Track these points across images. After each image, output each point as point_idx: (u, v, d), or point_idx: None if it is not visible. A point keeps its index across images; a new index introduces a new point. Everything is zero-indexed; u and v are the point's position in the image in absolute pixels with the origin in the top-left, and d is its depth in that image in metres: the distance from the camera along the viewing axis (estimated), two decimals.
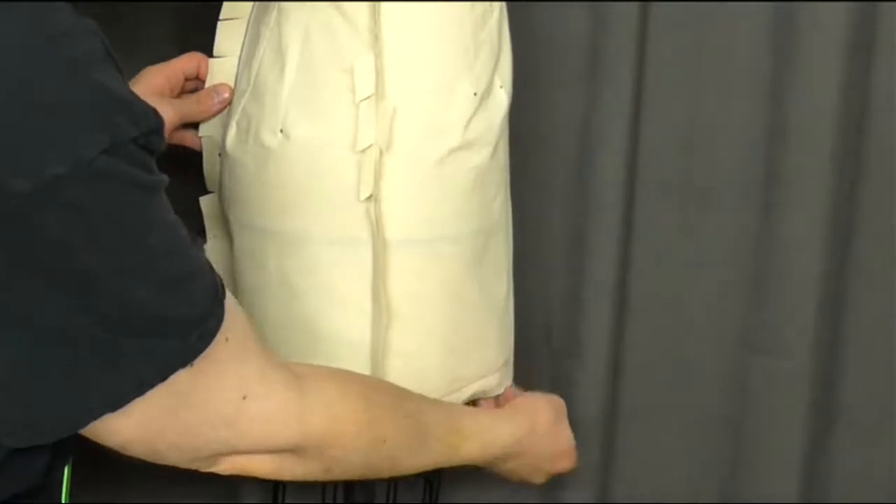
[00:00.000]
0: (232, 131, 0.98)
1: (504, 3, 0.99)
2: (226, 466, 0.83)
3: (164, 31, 1.20)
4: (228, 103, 1.03)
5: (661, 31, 1.24)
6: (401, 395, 0.92)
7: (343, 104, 0.92)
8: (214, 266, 1.04)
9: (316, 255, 0.95)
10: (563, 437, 1.09)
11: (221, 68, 1.02)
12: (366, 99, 0.92)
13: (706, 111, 1.27)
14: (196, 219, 1.06)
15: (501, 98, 0.98)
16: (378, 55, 0.91)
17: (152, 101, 1.01)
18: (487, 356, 1.05)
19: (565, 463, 1.10)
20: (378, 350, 0.96)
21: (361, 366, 0.97)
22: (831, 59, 1.22)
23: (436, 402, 0.96)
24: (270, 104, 0.94)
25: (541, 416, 1.05)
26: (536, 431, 1.04)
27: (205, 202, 1.06)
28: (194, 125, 1.11)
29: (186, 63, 1.06)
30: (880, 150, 1.27)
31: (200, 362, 0.73)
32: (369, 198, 0.93)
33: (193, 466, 0.83)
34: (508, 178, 1.05)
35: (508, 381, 1.09)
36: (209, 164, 1.05)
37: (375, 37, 0.91)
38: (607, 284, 1.29)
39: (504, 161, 1.03)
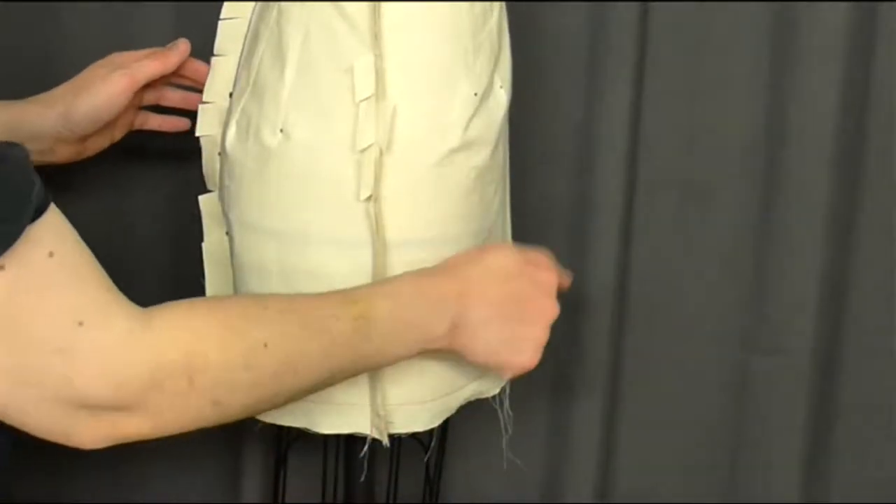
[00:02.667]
0: (232, 131, 0.98)
1: (504, 3, 0.99)
2: (91, 431, 0.78)
3: (165, 31, 1.20)
4: (187, 53, 1.06)
5: (661, 31, 1.24)
6: (266, 297, 0.89)
7: (343, 104, 0.92)
8: (214, 265, 1.06)
9: (316, 255, 0.95)
10: (516, 291, 0.94)
11: (222, 68, 1.02)
12: (366, 99, 0.91)
13: (706, 111, 1.27)
14: (195, 218, 1.06)
15: (501, 98, 0.98)
16: (378, 55, 0.91)
17: (100, 72, 1.03)
18: None
19: (538, 328, 0.96)
20: None
21: None
22: (831, 59, 1.22)
23: (323, 293, 0.89)
24: (270, 104, 0.94)
25: (466, 258, 0.93)
26: (457, 274, 0.92)
27: (204, 201, 1.06)
28: (163, 109, 1.11)
29: (154, 50, 1.08)
30: (880, 150, 1.27)
31: (18, 270, 0.72)
32: (369, 198, 0.92)
33: (51, 427, 0.78)
34: (508, 177, 1.05)
35: (505, 379, 1.09)
36: (209, 164, 1.05)
37: (375, 37, 0.91)
38: (607, 284, 1.29)
39: (504, 161, 1.03)
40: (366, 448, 1.01)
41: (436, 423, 1.02)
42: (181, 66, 1.07)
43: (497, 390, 1.08)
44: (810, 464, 1.35)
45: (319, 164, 0.93)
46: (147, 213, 1.27)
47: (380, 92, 0.92)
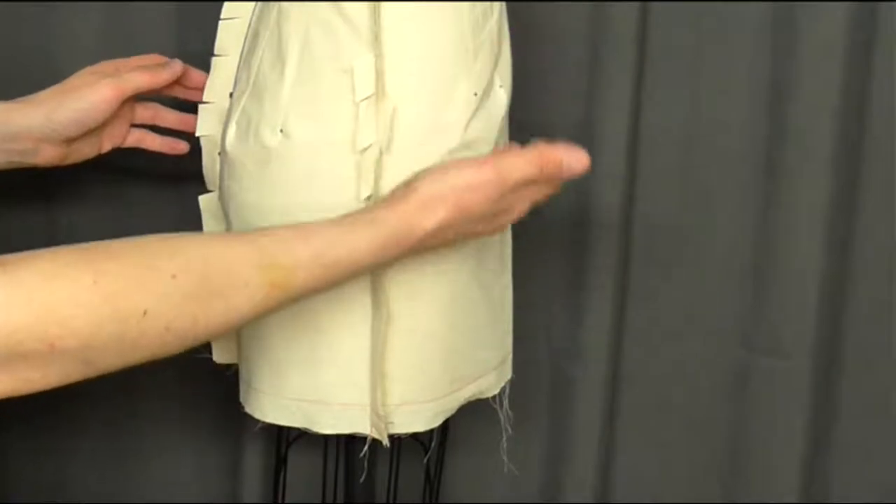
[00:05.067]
0: (232, 131, 0.98)
1: (504, 3, 0.99)
2: None
3: (165, 31, 1.20)
4: (179, 74, 1.06)
5: (661, 31, 1.24)
6: (162, 253, 0.78)
7: (343, 104, 0.92)
8: None
9: None
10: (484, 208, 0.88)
11: (222, 68, 1.02)
12: (366, 99, 0.91)
13: (706, 111, 1.27)
14: (195, 218, 1.06)
15: (501, 98, 0.98)
16: (378, 55, 0.91)
17: (88, 79, 1.02)
18: (486, 356, 1.05)
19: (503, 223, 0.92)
20: (378, 349, 0.97)
21: (361, 365, 0.97)
22: (831, 59, 1.22)
23: (238, 241, 0.82)
24: (270, 104, 0.94)
25: (427, 214, 0.86)
26: (416, 233, 0.86)
27: (204, 201, 1.06)
28: (157, 129, 1.11)
29: (145, 58, 1.08)
30: (880, 150, 1.27)
31: None
32: (369, 198, 0.93)
33: None
34: None
35: (505, 379, 1.09)
36: (208, 164, 1.05)
37: (375, 37, 0.91)
38: (607, 284, 1.29)
39: None
40: (366, 448, 1.01)
41: (436, 424, 1.02)
42: (184, 76, 1.07)
43: (496, 390, 1.08)
44: (810, 464, 1.35)
45: (319, 165, 0.93)
46: (147, 213, 1.27)
47: (380, 92, 0.92)
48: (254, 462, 1.32)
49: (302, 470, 1.28)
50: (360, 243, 0.85)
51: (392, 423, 0.99)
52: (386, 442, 0.99)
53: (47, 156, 1.05)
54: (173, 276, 0.77)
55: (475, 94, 0.95)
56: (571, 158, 0.89)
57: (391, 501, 1.17)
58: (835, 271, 1.29)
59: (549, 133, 1.25)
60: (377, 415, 0.98)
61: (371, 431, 0.98)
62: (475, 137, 0.95)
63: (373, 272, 0.93)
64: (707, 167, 1.28)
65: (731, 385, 1.35)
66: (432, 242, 0.88)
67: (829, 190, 1.26)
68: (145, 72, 1.05)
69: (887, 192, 1.28)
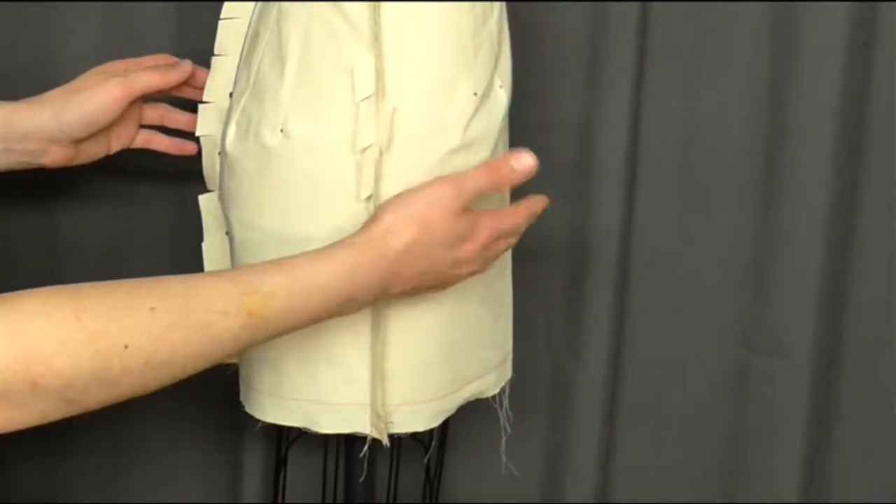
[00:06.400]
0: (231, 131, 0.98)
1: (504, 3, 0.99)
2: None
3: (165, 31, 1.20)
4: (188, 74, 1.06)
5: (661, 31, 1.24)
6: (143, 288, 0.79)
7: (343, 104, 0.92)
8: (214, 265, 1.06)
9: None
10: (448, 241, 0.90)
11: (222, 67, 1.02)
12: (366, 99, 0.92)
13: (706, 111, 1.27)
14: (195, 217, 1.06)
15: (501, 98, 0.98)
16: (378, 55, 0.91)
17: (96, 78, 1.02)
18: (486, 355, 1.05)
19: (474, 266, 0.94)
20: (378, 349, 0.97)
21: (361, 364, 0.97)
22: (831, 59, 1.22)
23: (217, 274, 0.84)
24: (270, 104, 0.94)
25: (394, 236, 0.88)
26: (387, 256, 0.88)
27: (204, 201, 1.06)
28: (165, 130, 1.11)
29: (155, 58, 1.08)
30: (880, 150, 1.27)
31: None
32: (369, 198, 0.93)
33: None
34: None
35: (505, 379, 1.09)
36: (208, 164, 1.05)
37: (375, 37, 0.91)
38: (607, 284, 1.29)
39: None
40: (366, 448, 1.01)
41: (436, 423, 1.02)
42: (193, 77, 1.07)
43: (496, 389, 1.08)
44: (810, 464, 1.35)
45: (319, 165, 0.93)
46: (147, 213, 1.27)
47: (380, 92, 0.92)
48: (254, 462, 1.32)
49: (302, 470, 1.27)
50: (334, 266, 0.87)
51: (392, 422, 0.99)
52: (386, 442, 0.99)
53: (55, 156, 1.05)
54: (152, 309, 0.78)
55: (475, 94, 0.95)
56: (517, 157, 0.93)
57: (391, 501, 1.17)
58: (835, 271, 1.29)
59: (549, 133, 1.27)
60: (377, 415, 0.98)
61: (371, 431, 0.98)
62: (475, 137, 0.95)
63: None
64: (707, 167, 1.29)
65: (731, 385, 1.35)
66: (407, 271, 0.89)
67: (829, 190, 1.26)
68: (155, 72, 1.05)
69: (887, 192, 1.28)
